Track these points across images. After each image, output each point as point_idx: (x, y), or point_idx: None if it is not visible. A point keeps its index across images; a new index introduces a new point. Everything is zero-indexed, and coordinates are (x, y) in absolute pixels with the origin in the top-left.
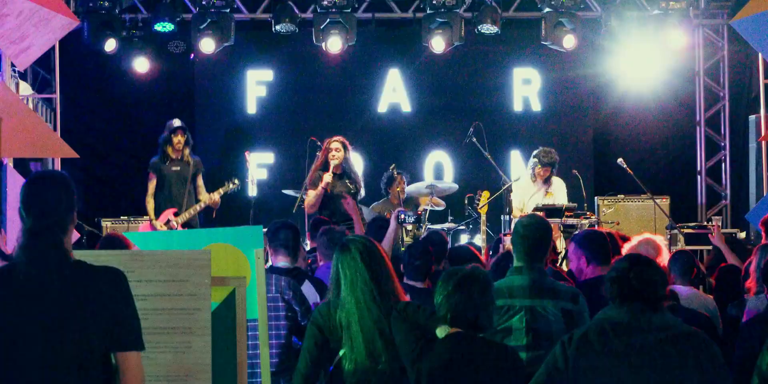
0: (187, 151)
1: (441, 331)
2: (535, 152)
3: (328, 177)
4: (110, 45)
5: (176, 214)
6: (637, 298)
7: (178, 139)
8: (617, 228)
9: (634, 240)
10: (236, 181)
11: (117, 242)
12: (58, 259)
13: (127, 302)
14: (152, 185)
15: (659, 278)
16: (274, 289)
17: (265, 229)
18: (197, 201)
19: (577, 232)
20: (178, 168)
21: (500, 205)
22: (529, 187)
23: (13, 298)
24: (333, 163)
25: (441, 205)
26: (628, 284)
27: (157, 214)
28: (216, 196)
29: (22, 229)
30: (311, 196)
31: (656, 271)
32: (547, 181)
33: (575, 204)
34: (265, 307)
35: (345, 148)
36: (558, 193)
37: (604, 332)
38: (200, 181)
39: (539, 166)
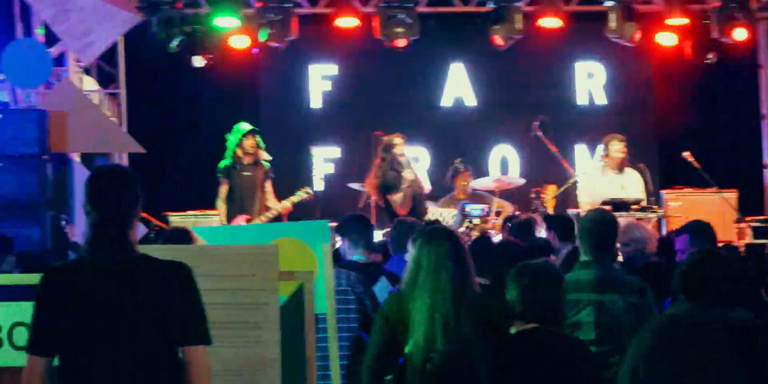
0: (261, 153)
1: (516, 327)
2: (604, 140)
3: (410, 174)
4: (174, 40)
5: (249, 221)
6: (707, 291)
7: (251, 143)
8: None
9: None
10: (310, 191)
11: (181, 236)
12: (123, 253)
13: (193, 296)
14: (224, 190)
15: (729, 272)
16: (345, 283)
17: (335, 224)
18: (267, 208)
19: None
20: (250, 173)
21: (567, 199)
22: (598, 179)
23: (81, 292)
24: (404, 160)
25: (506, 209)
26: (698, 278)
27: (229, 219)
28: (288, 204)
29: (87, 224)
30: (400, 199)
31: (727, 266)
32: (621, 172)
33: (642, 197)
34: (333, 301)
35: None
36: (631, 187)
37: (676, 328)
38: (269, 188)
39: (616, 146)
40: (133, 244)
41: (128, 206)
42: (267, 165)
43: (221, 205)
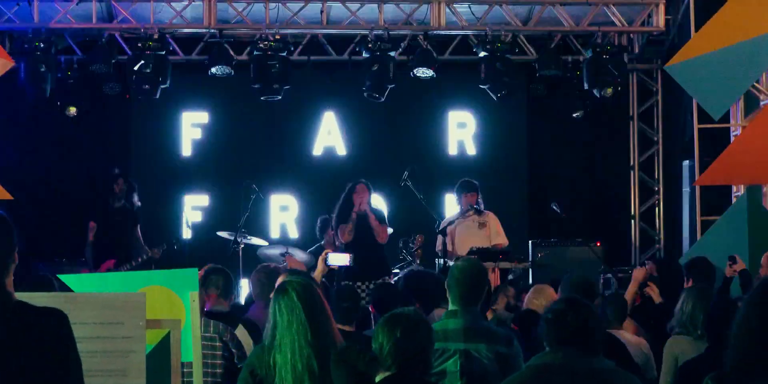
0: (134, 198)
1: (380, 374)
2: (456, 187)
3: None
4: (45, 86)
5: (116, 265)
6: (575, 341)
7: (120, 188)
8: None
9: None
10: (165, 247)
11: (45, 283)
12: (1, 300)
13: (70, 344)
14: (92, 234)
15: (596, 321)
16: (212, 330)
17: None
18: (137, 253)
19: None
20: (119, 218)
21: (434, 248)
22: (461, 225)
23: None
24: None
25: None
26: (566, 327)
27: (97, 263)
28: (157, 251)
29: None
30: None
31: (594, 314)
32: (479, 215)
33: (509, 248)
34: (200, 350)
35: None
36: (492, 223)
37: (541, 377)
38: (138, 233)
39: (464, 194)
40: (10, 290)
41: (5, 252)
42: (137, 209)
43: (90, 249)
